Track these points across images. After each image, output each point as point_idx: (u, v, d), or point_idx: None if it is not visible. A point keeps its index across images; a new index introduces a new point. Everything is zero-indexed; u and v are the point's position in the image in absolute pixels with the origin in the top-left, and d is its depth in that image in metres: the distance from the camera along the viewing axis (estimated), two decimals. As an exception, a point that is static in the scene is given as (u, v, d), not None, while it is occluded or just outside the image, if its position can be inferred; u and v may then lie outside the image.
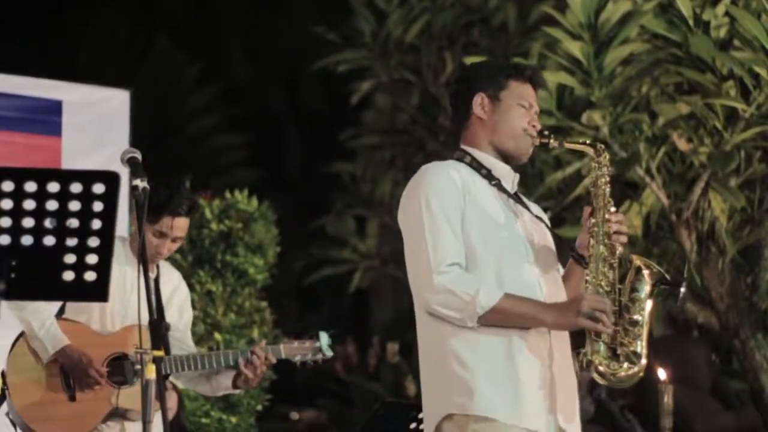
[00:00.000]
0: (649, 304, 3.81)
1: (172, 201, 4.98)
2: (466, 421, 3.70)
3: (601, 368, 3.72)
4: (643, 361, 3.76)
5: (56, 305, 5.05)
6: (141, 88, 8.60)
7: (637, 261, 3.83)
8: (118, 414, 4.98)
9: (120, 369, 4.99)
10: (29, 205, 3.32)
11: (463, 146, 3.98)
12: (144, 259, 3.75)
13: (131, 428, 5.01)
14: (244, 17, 14.71)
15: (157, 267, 5.17)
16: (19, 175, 3.32)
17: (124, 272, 5.02)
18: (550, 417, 3.76)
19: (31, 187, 3.31)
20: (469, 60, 8.00)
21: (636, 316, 3.77)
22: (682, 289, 3.90)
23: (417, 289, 3.79)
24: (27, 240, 3.34)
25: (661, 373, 6.17)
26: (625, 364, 3.74)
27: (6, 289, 3.36)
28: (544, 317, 3.73)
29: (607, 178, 3.89)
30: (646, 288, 3.81)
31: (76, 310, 5.03)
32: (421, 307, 3.80)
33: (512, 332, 3.75)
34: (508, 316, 3.71)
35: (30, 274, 3.38)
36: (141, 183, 3.75)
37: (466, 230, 3.79)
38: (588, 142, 3.99)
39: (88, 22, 14.06)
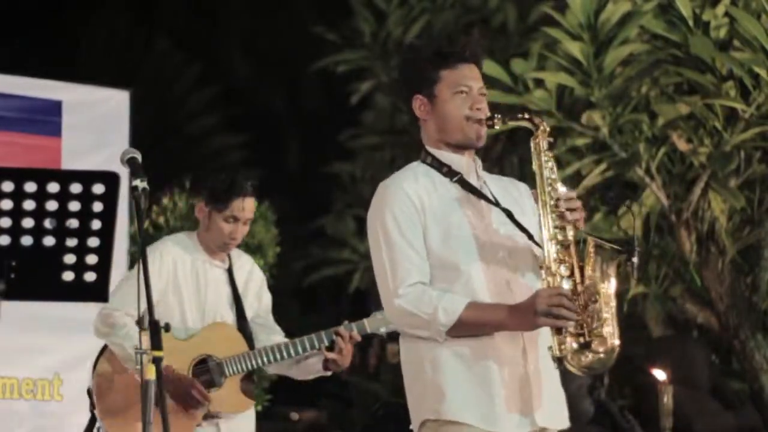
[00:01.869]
0: (613, 283, 3.73)
1: (236, 183, 4.99)
2: (437, 426, 3.73)
3: (572, 362, 3.67)
4: (616, 340, 3.69)
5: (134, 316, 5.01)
6: (141, 88, 8.60)
7: (591, 242, 3.73)
8: (211, 416, 4.97)
9: (206, 371, 4.97)
10: (29, 205, 3.33)
11: (426, 147, 3.94)
12: (144, 259, 3.74)
13: (225, 426, 4.99)
14: (244, 17, 14.70)
15: (228, 257, 5.14)
16: (19, 176, 3.32)
17: (196, 268, 5.02)
18: (525, 419, 3.74)
19: (30, 187, 3.32)
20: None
21: (596, 298, 3.69)
22: (635, 260, 3.77)
23: (386, 312, 3.83)
24: (27, 240, 3.35)
25: (661, 374, 6.17)
26: (593, 351, 3.68)
27: (6, 290, 3.36)
28: (507, 322, 3.69)
29: (549, 155, 3.80)
30: (600, 266, 3.72)
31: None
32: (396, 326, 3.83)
33: (485, 336, 3.73)
34: (472, 327, 3.70)
35: (30, 275, 3.38)
36: (141, 183, 3.75)
37: (429, 244, 3.77)
38: (525, 115, 3.88)
39: (88, 22, 14.04)
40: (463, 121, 3.85)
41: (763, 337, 7.40)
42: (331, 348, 4.98)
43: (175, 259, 4.98)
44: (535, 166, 3.81)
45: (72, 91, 7.40)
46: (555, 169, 3.79)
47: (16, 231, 3.33)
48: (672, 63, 7.14)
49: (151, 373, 3.59)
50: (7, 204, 3.31)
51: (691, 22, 6.95)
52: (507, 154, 9.00)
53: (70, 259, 3.39)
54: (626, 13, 7.11)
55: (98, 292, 3.46)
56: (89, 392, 4.96)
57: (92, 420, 4.97)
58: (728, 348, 7.91)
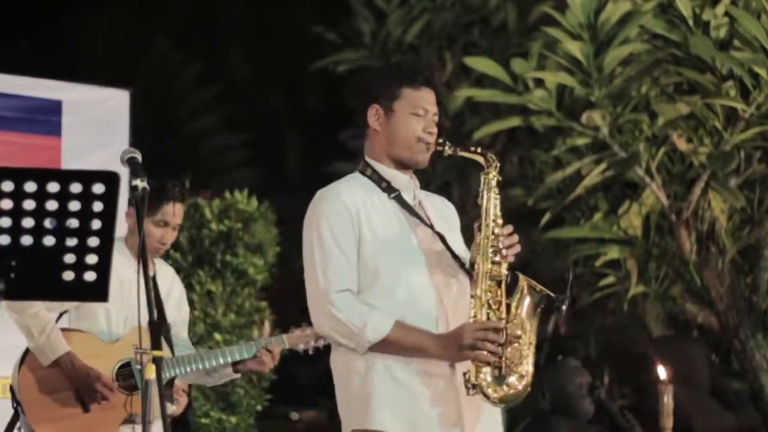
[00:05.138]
0: (533, 323, 3.87)
1: (167, 188, 5.04)
2: None
3: (488, 390, 3.80)
4: (528, 379, 3.83)
5: (56, 312, 5.04)
6: (140, 88, 8.60)
7: (522, 281, 3.89)
8: (130, 419, 4.97)
9: (130, 374, 4.97)
10: (29, 205, 3.32)
11: (366, 158, 4.06)
12: (144, 258, 3.75)
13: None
14: (244, 17, 14.70)
15: (153, 264, 5.18)
16: (19, 175, 3.31)
17: (120, 273, 5.01)
18: (453, 429, 3.85)
19: (30, 187, 3.31)
20: (469, 60, 8.02)
21: (520, 336, 3.83)
22: (564, 307, 3.93)
23: (312, 315, 3.92)
24: (27, 240, 3.34)
25: (661, 373, 6.16)
26: (509, 385, 3.82)
27: (6, 289, 3.36)
28: (431, 350, 3.82)
29: (497, 191, 3.92)
30: (529, 307, 3.88)
31: (78, 319, 5.02)
32: (318, 330, 3.94)
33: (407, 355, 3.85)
34: (396, 348, 3.82)
35: (30, 274, 3.37)
36: (141, 183, 3.75)
37: (362, 251, 3.88)
38: (479, 151, 4.00)
39: (88, 22, 14.05)
40: (414, 141, 3.99)
41: (763, 337, 7.39)
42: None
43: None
44: (482, 201, 3.93)
45: (72, 90, 7.41)
46: (499, 205, 3.93)
47: (16, 231, 3.33)
48: (672, 63, 7.13)
49: (151, 373, 3.59)
50: (7, 204, 3.31)
51: (691, 22, 6.94)
52: (507, 153, 8.99)
53: (70, 258, 3.38)
54: (626, 13, 7.11)
55: (98, 292, 3.45)
56: (11, 389, 4.97)
57: (15, 416, 4.97)
58: (728, 348, 7.91)
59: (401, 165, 4.02)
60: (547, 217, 7.67)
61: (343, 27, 10.24)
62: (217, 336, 8.07)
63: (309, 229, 3.94)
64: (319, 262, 3.87)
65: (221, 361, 5.02)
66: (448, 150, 3.98)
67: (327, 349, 5.26)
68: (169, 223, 5.06)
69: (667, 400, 6.06)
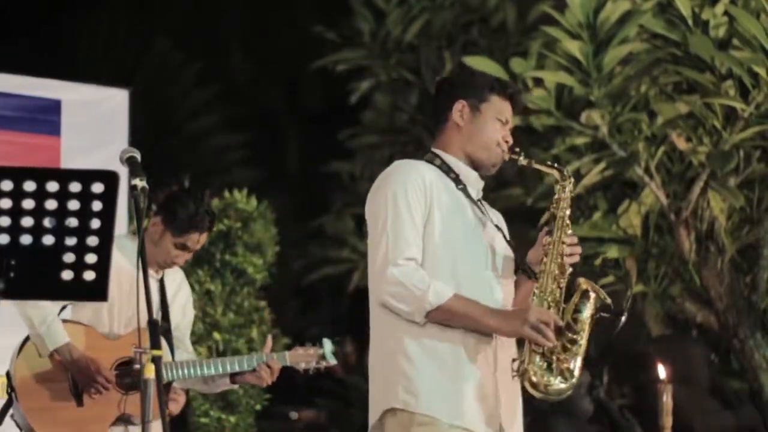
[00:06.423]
0: (587, 327, 3.94)
1: (198, 216, 5.03)
2: (410, 419, 3.86)
3: (534, 378, 3.86)
4: (574, 379, 3.90)
5: (58, 303, 5.02)
6: (140, 87, 8.60)
7: (584, 285, 3.96)
8: (123, 419, 4.96)
9: (128, 373, 4.96)
10: (28, 204, 3.32)
11: (433, 149, 4.11)
12: (143, 257, 3.76)
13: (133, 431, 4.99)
14: (244, 17, 14.70)
15: None
16: (18, 175, 3.32)
17: (132, 273, 5.01)
18: (492, 419, 3.91)
19: (30, 186, 3.31)
20: (469, 59, 8.02)
21: (575, 336, 3.90)
22: (623, 318, 4.02)
23: (372, 279, 3.96)
24: (26, 239, 3.34)
25: (661, 373, 6.17)
26: (558, 379, 3.88)
27: (5, 289, 3.36)
28: (489, 321, 3.86)
29: (569, 202, 4.04)
30: (588, 311, 3.95)
31: (81, 311, 5.00)
32: (375, 297, 3.97)
33: (459, 337, 3.89)
34: (455, 316, 3.85)
35: (29, 274, 3.38)
36: (140, 182, 3.76)
37: (428, 228, 3.92)
38: (556, 165, 4.12)
39: (88, 22, 14.05)
40: (494, 144, 4.07)
41: (762, 336, 7.39)
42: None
43: (117, 261, 4.95)
44: (556, 209, 4.06)
45: (71, 90, 7.40)
46: (569, 215, 4.05)
47: (15, 230, 3.33)
48: (671, 62, 7.13)
49: (150, 372, 3.59)
50: (7, 203, 3.31)
51: (690, 21, 6.95)
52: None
53: (69, 258, 3.39)
54: (625, 12, 7.11)
55: (97, 291, 3.46)
56: (8, 374, 4.96)
57: (8, 402, 4.97)
58: (727, 347, 7.91)
59: (473, 164, 4.09)
60: (546, 216, 7.67)
61: (342, 26, 10.24)
62: (216, 335, 8.07)
63: (383, 193, 3.97)
64: (391, 227, 3.90)
65: (220, 370, 5.01)
66: (522, 160, 4.07)
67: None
68: (189, 248, 5.06)
69: (667, 399, 6.06)
